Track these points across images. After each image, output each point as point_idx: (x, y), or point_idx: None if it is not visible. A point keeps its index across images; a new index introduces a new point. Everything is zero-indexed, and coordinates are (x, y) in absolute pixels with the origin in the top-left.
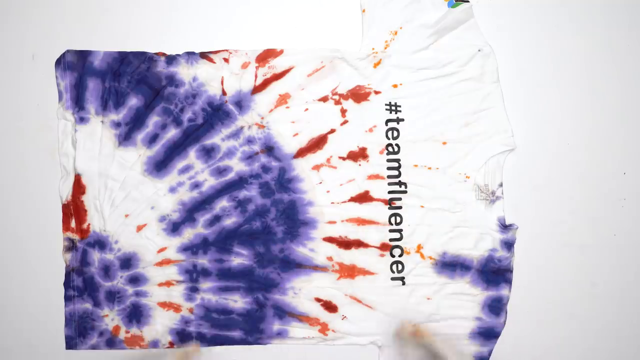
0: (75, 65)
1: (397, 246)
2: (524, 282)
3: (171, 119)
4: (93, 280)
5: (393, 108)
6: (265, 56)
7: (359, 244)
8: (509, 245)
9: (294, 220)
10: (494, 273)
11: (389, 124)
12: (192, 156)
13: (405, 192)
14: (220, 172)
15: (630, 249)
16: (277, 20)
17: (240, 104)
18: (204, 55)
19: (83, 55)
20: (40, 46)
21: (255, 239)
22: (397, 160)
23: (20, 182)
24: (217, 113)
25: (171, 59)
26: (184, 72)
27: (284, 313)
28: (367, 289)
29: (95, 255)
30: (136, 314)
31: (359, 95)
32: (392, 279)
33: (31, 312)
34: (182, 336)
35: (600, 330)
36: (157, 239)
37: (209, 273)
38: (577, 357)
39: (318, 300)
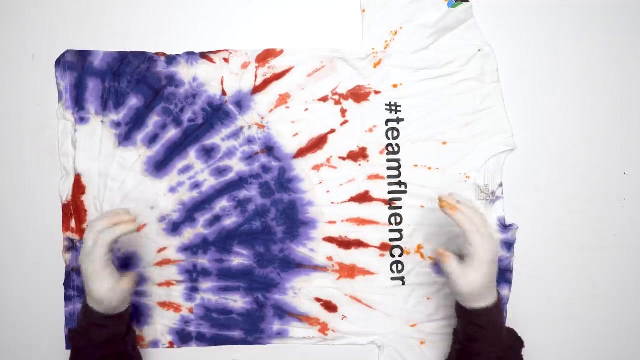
0: (75, 65)
1: (397, 246)
2: (524, 282)
3: (171, 119)
4: None
5: (393, 108)
6: (265, 56)
7: (359, 244)
8: (509, 245)
9: (294, 220)
10: None
11: (389, 124)
12: (192, 156)
13: (405, 192)
14: (220, 172)
15: (630, 249)
16: (277, 20)
17: (240, 104)
18: (204, 55)
19: (83, 55)
20: (40, 46)
21: (255, 239)
22: (397, 160)
23: (20, 182)
24: (217, 113)
25: (171, 59)
26: (184, 72)
27: (284, 313)
28: (367, 289)
29: None
30: (136, 314)
31: (359, 95)
32: (392, 279)
33: (31, 312)
34: (182, 336)
35: (600, 330)
36: (157, 239)
37: (209, 273)
38: (577, 357)
39: (318, 300)
